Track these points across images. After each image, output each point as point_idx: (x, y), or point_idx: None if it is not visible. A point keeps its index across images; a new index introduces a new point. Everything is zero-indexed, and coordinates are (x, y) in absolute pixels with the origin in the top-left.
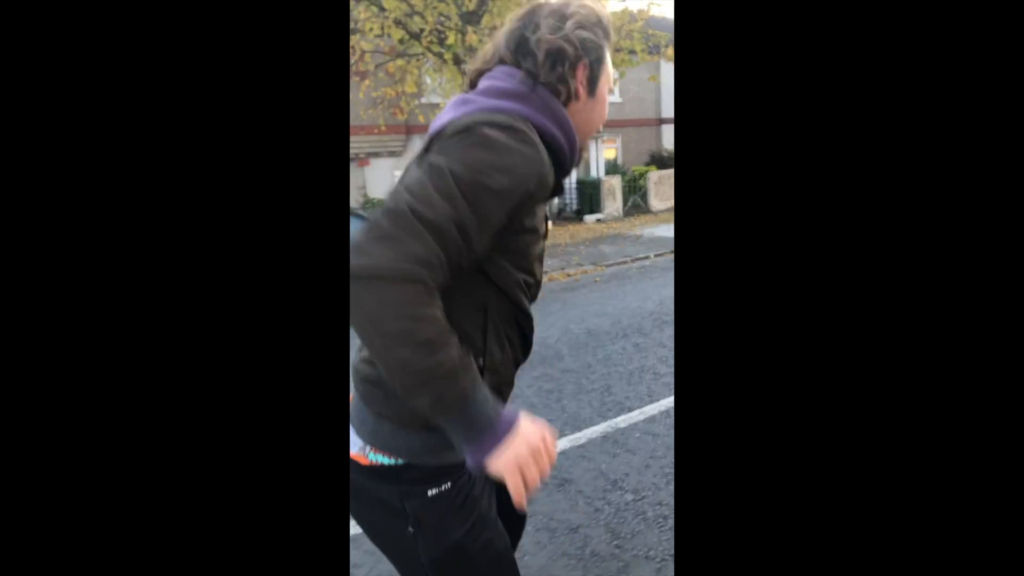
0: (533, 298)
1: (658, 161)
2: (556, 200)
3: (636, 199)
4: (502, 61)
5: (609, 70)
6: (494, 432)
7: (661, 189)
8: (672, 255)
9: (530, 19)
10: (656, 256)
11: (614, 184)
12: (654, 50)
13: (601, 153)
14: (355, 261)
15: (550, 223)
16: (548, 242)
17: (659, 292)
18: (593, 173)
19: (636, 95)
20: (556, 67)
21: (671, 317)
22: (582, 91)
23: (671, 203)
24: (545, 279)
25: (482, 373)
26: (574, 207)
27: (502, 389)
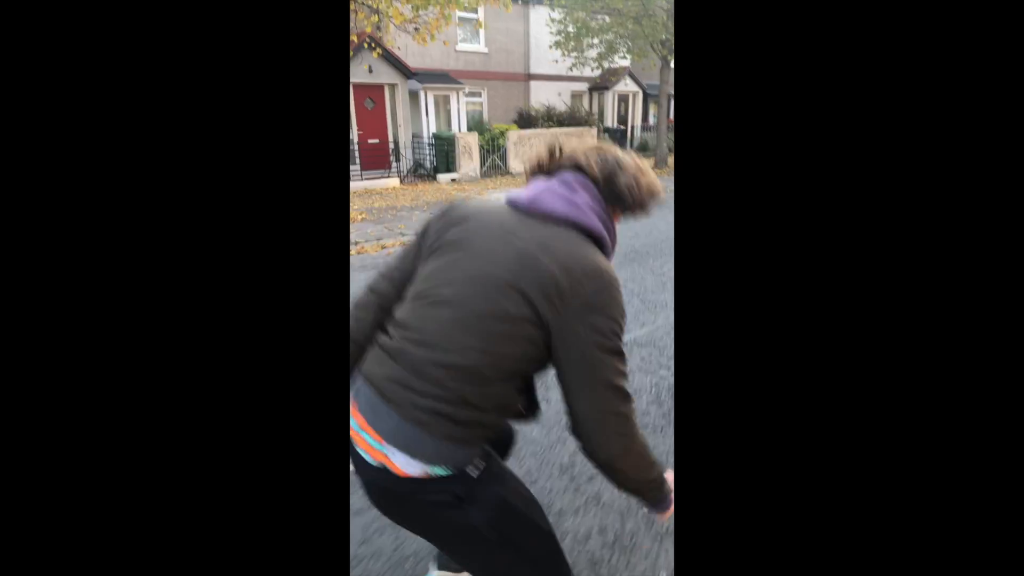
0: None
1: (524, 120)
2: (412, 156)
3: (495, 159)
4: (577, 167)
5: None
6: (667, 500)
7: (521, 150)
8: None
9: (604, 159)
10: None
11: (471, 142)
12: None
13: (463, 106)
14: (613, 425)
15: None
16: (385, 203)
17: None
18: (455, 128)
19: (503, 46)
20: (618, 189)
21: None
22: (620, 210)
23: None
24: (354, 251)
25: (528, 412)
26: (432, 164)
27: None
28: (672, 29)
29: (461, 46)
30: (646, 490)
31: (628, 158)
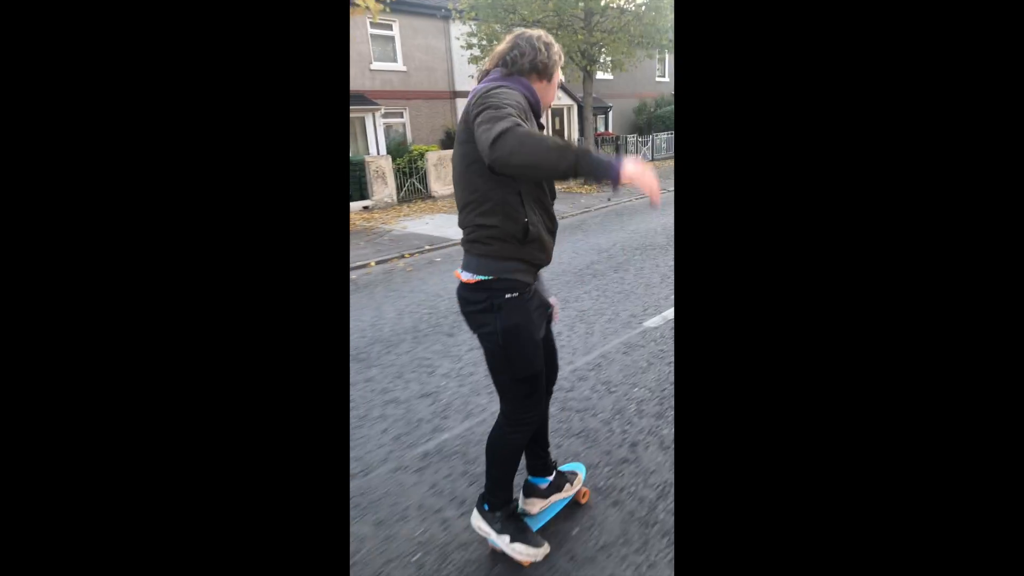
0: (551, 191)
1: (451, 139)
2: None
3: (414, 182)
4: (500, 65)
5: (558, 71)
6: (615, 162)
7: (443, 172)
8: (424, 254)
9: (513, 43)
10: (404, 257)
11: (384, 166)
12: (444, 13)
13: (380, 128)
14: (491, 132)
15: None
16: None
17: (379, 311)
18: (373, 151)
19: (424, 63)
20: (522, 63)
21: (399, 339)
22: (538, 77)
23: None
24: None
25: (527, 233)
26: None
27: (542, 261)
28: (591, 40)
29: (376, 65)
30: (556, 160)
31: (527, 39)
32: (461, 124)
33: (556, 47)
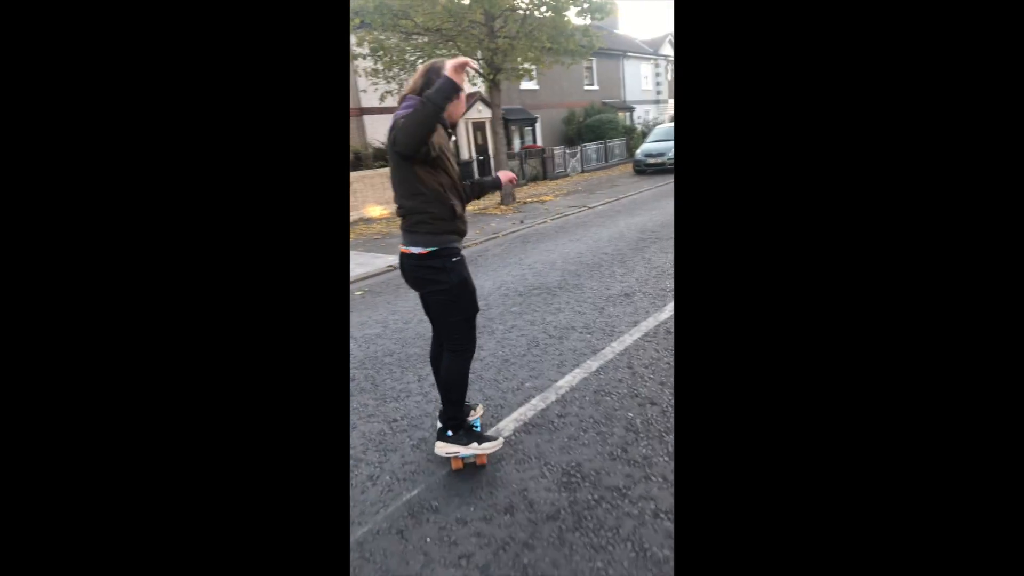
0: (460, 193)
1: (356, 162)
2: None
3: None
4: (414, 92)
5: (463, 90)
6: (444, 81)
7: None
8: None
9: (426, 74)
10: None
11: None
12: None
13: None
14: (389, 138)
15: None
16: None
17: None
18: None
19: None
20: (428, 78)
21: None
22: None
23: (372, 211)
24: None
25: (454, 212)
26: None
27: (464, 231)
28: (494, 47)
29: None
30: (429, 109)
31: (439, 65)
32: (390, 141)
33: (446, 63)
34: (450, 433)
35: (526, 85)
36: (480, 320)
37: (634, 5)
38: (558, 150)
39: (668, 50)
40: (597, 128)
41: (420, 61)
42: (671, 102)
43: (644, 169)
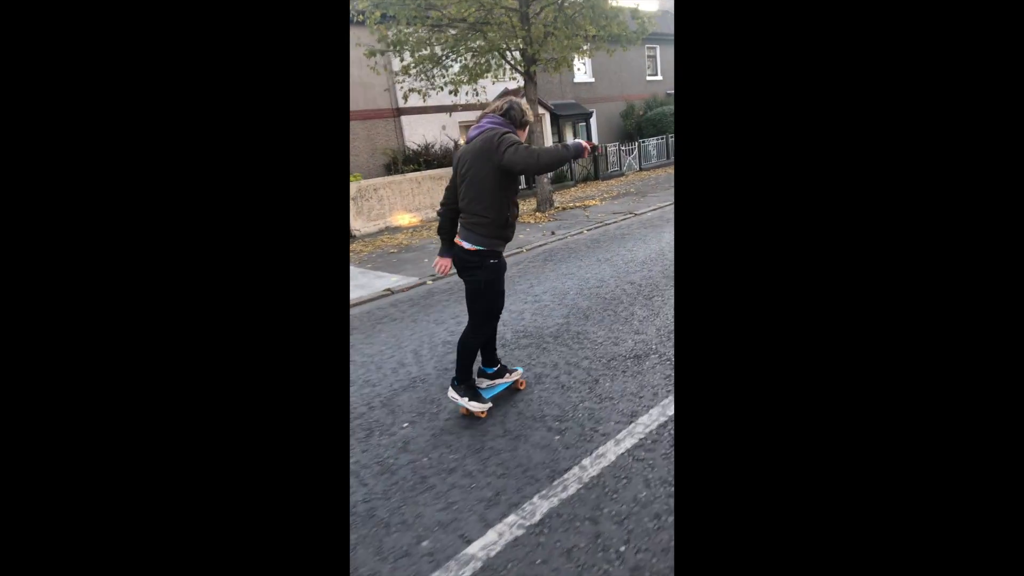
0: (517, 204)
1: (392, 165)
2: None
3: None
4: (494, 112)
5: (529, 124)
6: (571, 144)
7: (366, 205)
8: None
9: (509, 104)
10: None
11: None
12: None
13: None
14: (518, 155)
15: None
16: None
17: None
18: None
19: (357, 79)
20: (512, 117)
21: None
22: (519, 128)
23: (400, 220)
24: None
25: (507, 222)
26: None
27: (510, 238)
28: (530, 35)
29: None
30: (555, 159)
31: (519, 105)
32: (481, 153)
33: (529, 111)
34: (457, 382)
35: (580, 78)
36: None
37: None
38: (611, 147)
39: None
40: (658, 122)
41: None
42: None
43: None
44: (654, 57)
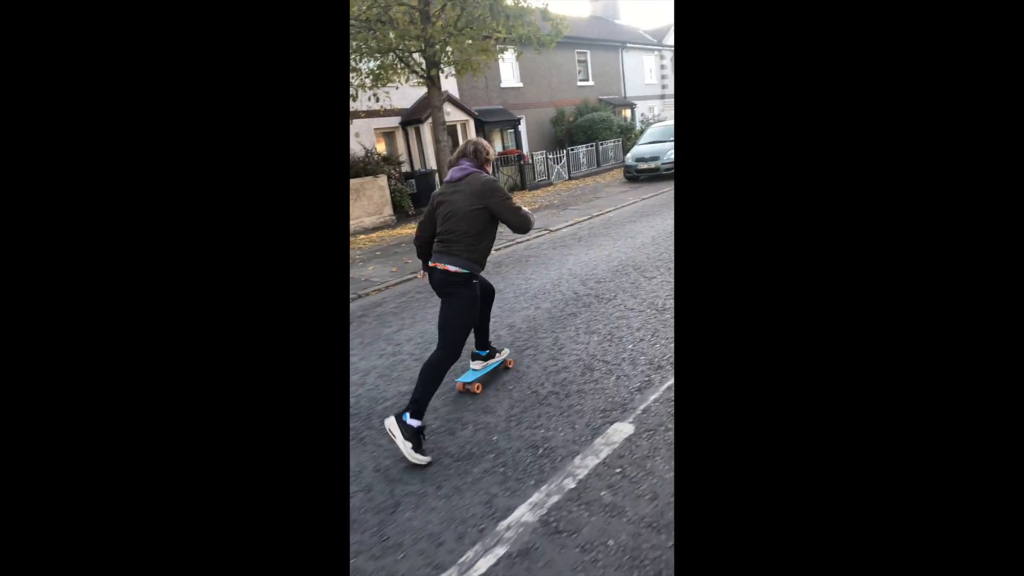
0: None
1: None
2: None
3: None
4: (464, 156)
5: (491, 160)
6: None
7: None
8: None
9: (475, 146)
10: None
11: None
12: None
13: None
14: (521, 216)
15: None
16: None
17: None
18: None
19: None
20: (478, 157)
21: None
22: (487, 166)
23: None
24: None
25: (487, 251)
26: None
27: (485, 264)
28: (429, 35)
29: None
30: (528, 227)
31: (481, 145)
32: (475, 194)
33: (492, 150)
34: (407, 416)
35: (508, 82)
36: None
37: None
38: (538, 155)
39: (672, 40)
40: (589, 128)
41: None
42: None
43: (636, 176)
44: (585, 62)
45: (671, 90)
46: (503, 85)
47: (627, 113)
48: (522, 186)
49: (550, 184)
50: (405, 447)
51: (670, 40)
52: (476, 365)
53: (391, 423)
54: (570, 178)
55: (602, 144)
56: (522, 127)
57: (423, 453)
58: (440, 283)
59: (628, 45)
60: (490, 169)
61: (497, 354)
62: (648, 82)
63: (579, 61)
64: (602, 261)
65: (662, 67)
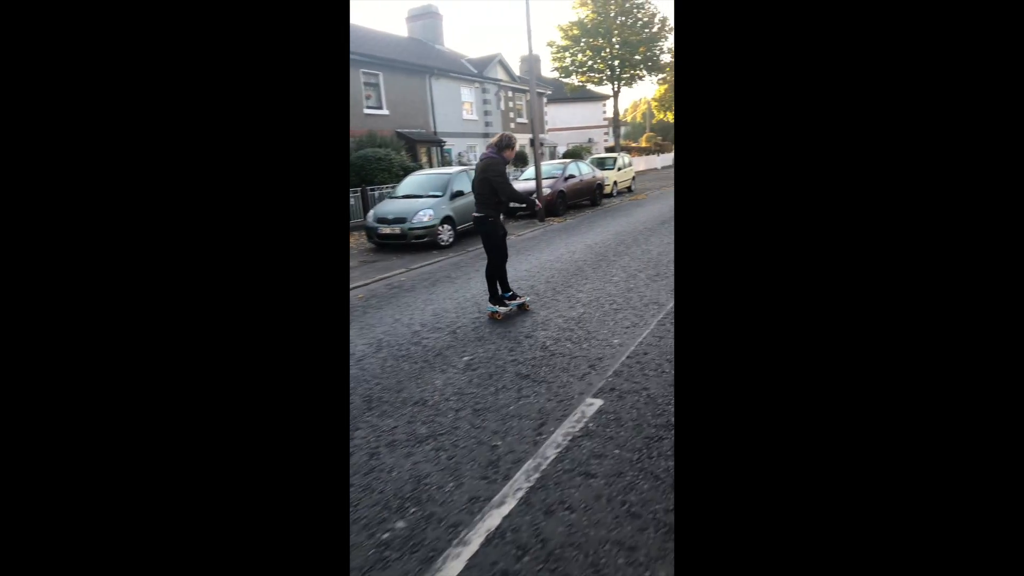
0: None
1: None
2: None
3: None
4: (490, 145)
5: (514, 149)
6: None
7: None
8: None
9: (500, 138)
10: None
11: None
12: None
13: None
14: (507, 189)
15: None
16: None
17: None
18: None
19: None
20: (500, 144)
21: None
22: (509, 152)
23: None
24: None
25: (498, 206)
26: None
27: (500, 213)
28: None
29: None
30: (513, 198)
31: (507, 137)
32: (481, 170)
33: (514, 137)
34: (492, 302)
35: None
36: None
37: (462, 19)
38: None
39: (499, 73)
40: (360, 169)
41: None
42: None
43: (378, 242)
44: (376, 85)
45: (495, 128)
46: None
47: (424, 153)
48: None
49: None
50: (501, 308)
51: (495, 73)
52: (502, 308)
53: (489, 309)
54: None
55: (375, 191)
56: None
57: (506, 306)
58: (476, 223)
59: (437, 71)
60: (509, 155)
61: (518, 297)
62: (467, 117)
63: (368, 83)
64: None
65: (485, 102)
